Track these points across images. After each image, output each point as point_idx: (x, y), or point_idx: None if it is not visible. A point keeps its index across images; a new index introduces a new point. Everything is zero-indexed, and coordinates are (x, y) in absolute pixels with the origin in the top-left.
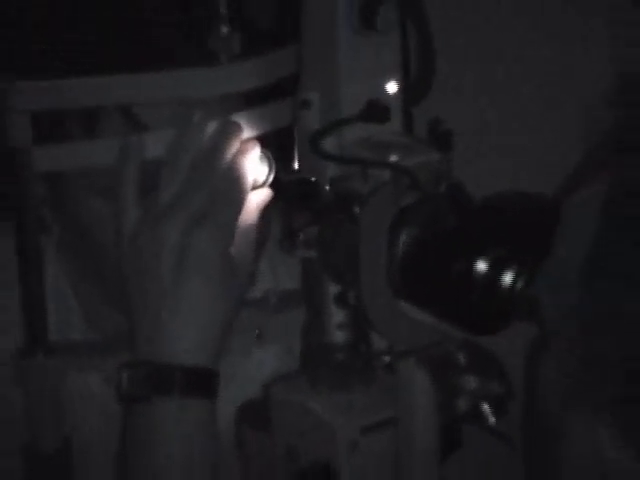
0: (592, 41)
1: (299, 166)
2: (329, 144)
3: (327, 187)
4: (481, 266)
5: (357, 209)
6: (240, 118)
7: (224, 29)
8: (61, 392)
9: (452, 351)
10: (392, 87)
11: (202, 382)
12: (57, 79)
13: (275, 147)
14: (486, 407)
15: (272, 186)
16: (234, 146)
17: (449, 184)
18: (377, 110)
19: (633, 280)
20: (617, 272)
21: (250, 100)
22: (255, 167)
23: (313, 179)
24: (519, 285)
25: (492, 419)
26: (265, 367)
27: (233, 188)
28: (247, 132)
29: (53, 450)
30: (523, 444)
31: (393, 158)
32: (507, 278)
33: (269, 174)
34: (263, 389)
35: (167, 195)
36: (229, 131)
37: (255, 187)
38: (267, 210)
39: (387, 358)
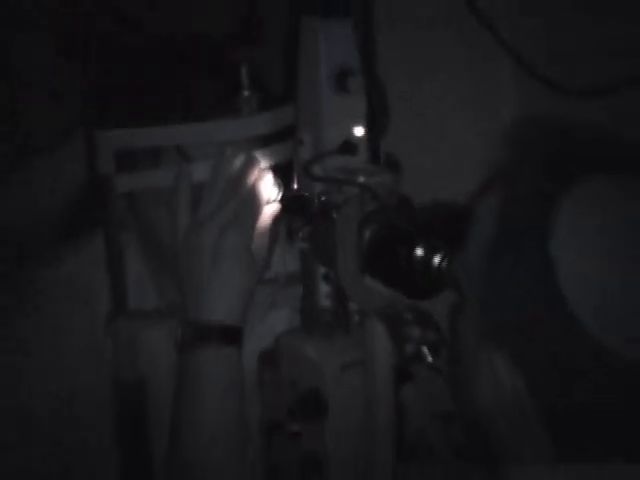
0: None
1: (297, 185)
2: (317, 169)
3: (316, 199)
4: (419, 252)
5: (335, 214)
6: (258, 153)
7: (245, 92)
8: (137, 343)
9: (401, 311)
10: (360, 130)
11: (232, 335)
12: (134, 127)
13: (281, 173)
14: (426, 350)
15: (280, 201)
16: (254, 173)
17: (399, 197)
18: (349, 146)
19: (520, 269)
20: (507, 264)
21: (265, 141)
22: (268, 188)
23: (306, 194)
24: (444, 265)
25: (430, 359)
26: (278, 326)
27: (253, 203)
28: (263, 163)
29: (131, 387)
30: (449, 377)
31: (360, 179)
32: (436, 260)
33: (278, 193)
34: (275, 340)
35: (207, 208)
36: (250, 163)
37: (268, 202)
38: (277, 218)
39: (357, 317)
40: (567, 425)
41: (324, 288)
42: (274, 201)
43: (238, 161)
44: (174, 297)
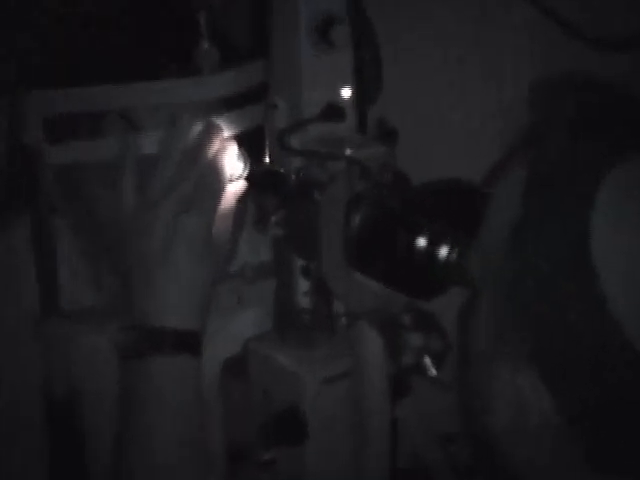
0: (516, 48)
1: (269, 159)
2: (294, 140)
3: (292, 176)
4: (421, 241)
5: (318, 195)
6: (220, 120)
7: (205, 45)
8: (71, 350)
9: (398, 313)
10: (347, 92)
11: (188, 341)
12: (66, 88)
13: (249, 143)
14: (428, 360)
15: (247, 178)
16: (215, 144)
17: (394, 173)
18: (334, 111)
19: (549, 253)
20: (535, 247)
21: (228, 105)
22: (232, 162)
23: (281, 170)
24: (453, 257)
25: (433, 371)
26: (246, 329)
27: (214, 179)
28: (226, 131)
29: (64, 401)
30: (458, 387)
31: (347, 152)
32: (443, 251)
33: (244, 168)
34: (243, 346)
35: (159, 184)
36: (211, 131)
37: (232, 178)
38: (243, 197)
39: (344, 319)
40: (599, 436)
41: (303, 284)
42: (240, 177)
43: (196, 129)
44: (116, 294)
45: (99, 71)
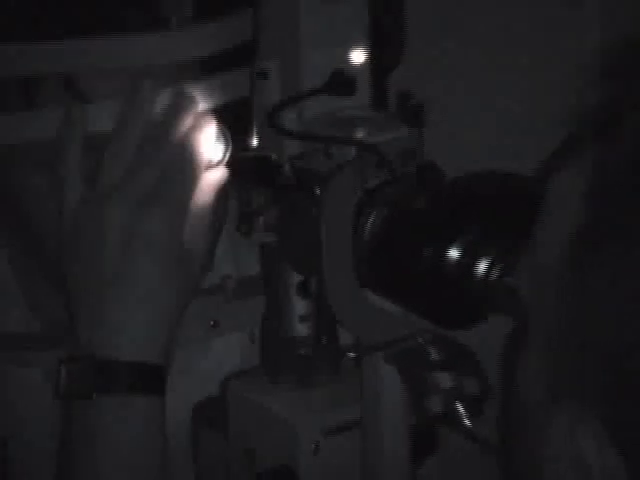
0: (577, 19)
1: (257, 142)
2: (289, 119)
3: (287, 166)
4: (453, 253)
5: (319, 190)
6: (193, 89)
7: None
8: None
9: (423, 345)
10: (359, 56)
11: (149, 378)
12: None
13: (231, 121)
14: (461, 407)
15: (228, 164)
16: (187, 120)
17: (420, 163)
18: (342, 82)
19: (624, 277)
20: (604, 258)
21: (204, 69)
22: (210, 143)
23: (272, 156)
24: (494, 274)
25: (468, 421)
26: (224, 360)
27: (186, 166)
28: (201, 104)
29: None
30: (499, 445)
31: (359, 134)
32: (481, 266)
33: (225, 151)
34: (221, 385)
35: (113, 172)
36: (181, 103)
37: (210, 165)
38: (224, 190)
39: (352, 353)
40: None
41: (299, 306)
42: (219, 164)
43: (162, 100)
44: (56, 314)
45: (33, 24)
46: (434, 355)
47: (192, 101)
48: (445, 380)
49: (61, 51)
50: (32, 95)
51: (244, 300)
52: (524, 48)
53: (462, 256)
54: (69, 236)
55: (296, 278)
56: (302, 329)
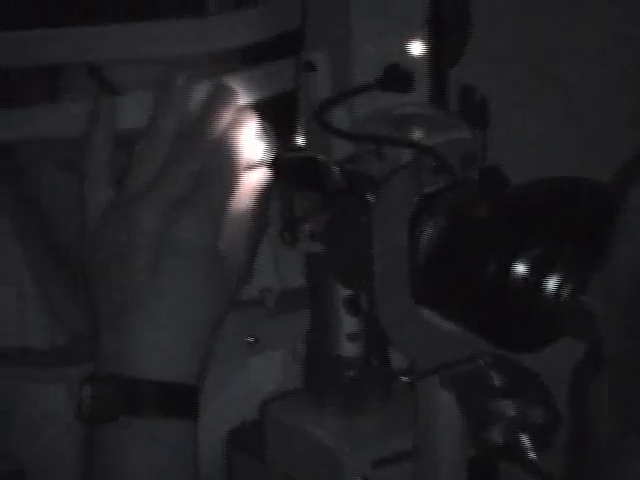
0: None
1: (303, 142)
2: (338, 116)
3: (336, 169)
4: (519, 267)
5: (371, 196)
6: (233, 81)
7: None
8: (15, 409)
9: (484, 369)
10: (417, 48)
11: (179, 399)
12: (7, 32)
13: (274, 118)
14: (525, 438)
15: (271, 165)
16: (226, 115)
17: (483, 167)
18: (398, 76)
19: None
20: None
21: (245, 60)
22: (251, 141)
23: (319, 157)
24: (565, 292)
25: (532, 453)
26: (263, 380)
27: (223, 166)
28: (241, 98)
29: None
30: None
31: (416, 135)
32: (551, 283)
33: (268, 151)
34: (260, 408)
35: (144, 172)
36: (220, 97)
37: (251, 166)
38: (265, 194)
39: (405, 377)
40: None
41: (348, 324)
42: (260, 165)
43: (199, 93)
44: (81, 327)
45: (57, 7)
46: (496, 380)
47: (231, 95)
48: (508, 408)
49: (88, 37)
50: (56, 87)
51: (286, 315)
52: (595, 42)
53: (529, 271)
54: (94, 243)
55: (344, 292)
56: (350, 348)
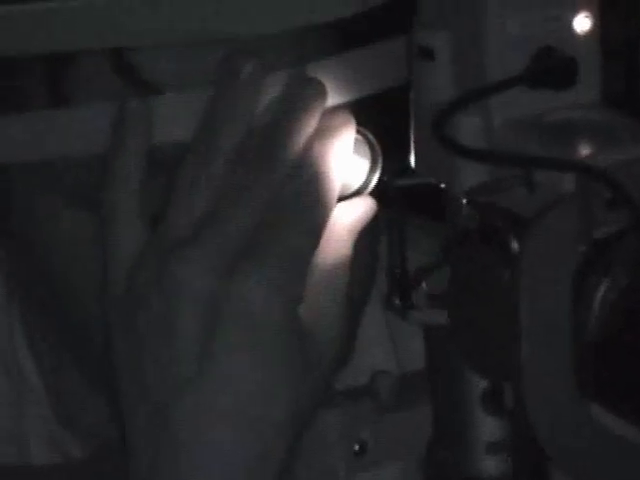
0: None
1: (416, 163)
2: (467, 127)
3: (463, 201)
4: None
5: (516, 243)
6: (320, 72)
7: None
8: None
9: None
10: (583, 23)
11: None
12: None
13: (379, 127)
14: None
15: (377, 194)
16: (311, 121)
17: None
18: (553, 67)
19: None
20: None
21: (337, 41)
22: (348, 160)
23: (439, 185)
24: None
25: None
26: None
27: (309, 196)
28: (332, 97)
29: None
30: None
31: (581, 153)
32: None
33: (372, 173)
34: None
35: (192, 207)
36: (302, 95)
37: (348, 195)
38: (369, 234)
39: None
40: None
41: (486, 427)
42: (362, 192)
43: (272, 89)
44: (100, 430)
45: None
46: None
47: (320, 92)
48: None
49: (111, 12)
50: (65, 85)
51: (405, 412)
52: None
53: None
54: (119, 310)
55: (481, 384)
56: (491, 465)
